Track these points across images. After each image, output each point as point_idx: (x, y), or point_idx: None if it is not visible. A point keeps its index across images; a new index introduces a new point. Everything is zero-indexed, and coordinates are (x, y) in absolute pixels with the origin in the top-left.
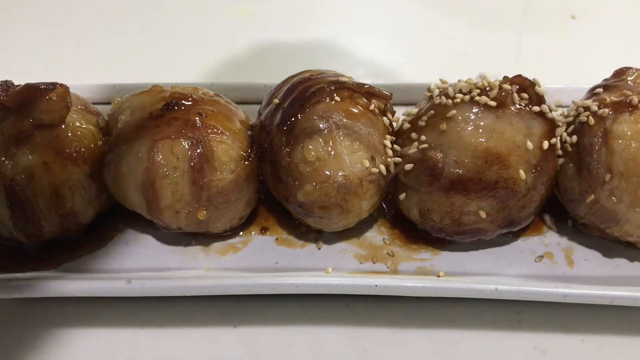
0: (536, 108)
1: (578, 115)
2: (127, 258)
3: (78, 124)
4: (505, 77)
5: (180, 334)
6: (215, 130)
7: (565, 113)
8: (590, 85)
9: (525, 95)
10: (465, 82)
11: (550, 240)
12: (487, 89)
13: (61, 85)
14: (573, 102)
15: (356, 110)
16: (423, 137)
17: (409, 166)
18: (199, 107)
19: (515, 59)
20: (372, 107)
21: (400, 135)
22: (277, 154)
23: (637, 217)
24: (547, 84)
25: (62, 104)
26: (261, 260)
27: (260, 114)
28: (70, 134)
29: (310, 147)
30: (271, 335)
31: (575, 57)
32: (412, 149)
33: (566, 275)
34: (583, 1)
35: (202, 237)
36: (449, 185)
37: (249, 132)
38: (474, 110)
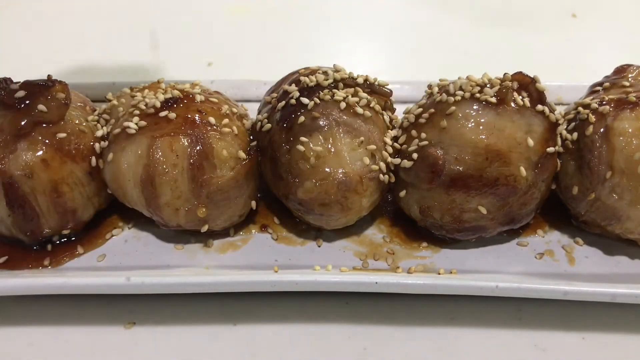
0: (538, 106)
1: (578, 112)
2: (126, 255)
3: (77, 121)
4: (505, 74)
5: (180, 332)
6: (215, 127)
7: (564, 111)
8: (591, 83)
9: (525, 93)
10: (466, 79)
11: (551, 237)
12: (488, 85)
13: (60, 82)
14: (575, 103)
15: (356, 107)
16: (423, 135)
17: (409, 163)
18: (199, 104)
19: (516, 57)
20: (372, 104)
21: (400, 133)
22: (277, 151)
23: (638, 215)
24: (548, 82)
25: (61, 102)
26: (261, 258)
27: (260, 111)
28: (69, 131)
29: (310, 144)
30: (271, 333)
31: (575, 55)
32: (413, 146)
33: (567, 273)
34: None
35: (201, 234)
36: (449, 182)
37: (249, 130)
38: (474, 107)
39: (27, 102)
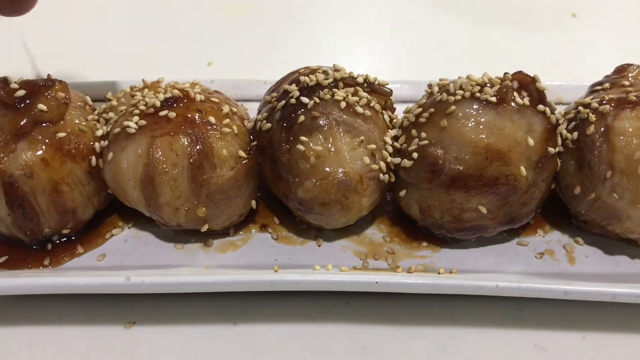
0: (539, 106)
1: (579, 111)
2: (126, 255)
3: (77, 121)
4: (506, 74)
5: (180, 332)
6: (215, 127)
7: (564, 111)
8: (591, 83)
9: (525, 92)
10: (466, 78)
11: (551, 237)
12: (488, 85)
13: (60, 81)
14: (575, 102)
15: (356, 107)
16: (423, 134)
17: (409, 163)
18: (199, 103)
19: (516, 57)
20: (372, 103)
21: (400, 132)
22: (277, 150)
23: (638, 214)
24: (548, 82)
25: (61, 101)
26: (261, 258)
27: (259, 110)
28: (69, 131)
29: (311, 143)
30: (271, 333)
31: (575, 55)
32: (413, 146)
33: (567, 272)
34: None
35: (201, 234)
36: (449, 181)
37: (249, 129)
38: (474, 107)
39: (27, 101)
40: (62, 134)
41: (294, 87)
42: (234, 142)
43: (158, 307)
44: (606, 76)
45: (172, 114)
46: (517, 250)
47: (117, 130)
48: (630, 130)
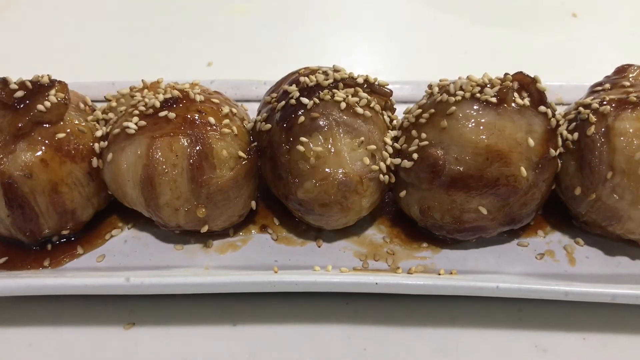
0: (541, 107)
1: (579, 112)
2: (126, 256)
3: (77, 122)
4: (506, 74)
5: (179, 333)
6: (215, 127)
7: (564, 111)
8: (591, 83)
9: (526, 93)
10: (466, 79)
11: (552, 238)
12: (488, 85)
13: (59, 82)
14: (575, 103)
15: (356, 108)
16: (424, 135)
17: (409, 164)
18: (199, 104)
19: (516, 57)
20: (372, 104)
21: (400, 133)
22: (277, 151)
23: (638, 215)
24: (548, 82)
25: (61, 102)
26: (261, 258)
27: (259, 111)
28: (68, 131)
29: (310, 144)
30: (271, 333)
31: (576, 55)
32: (413, 147)
33: (567, 273)
34: None
35: (201, 235)
36: (449, 182)
37: (249, 130)
38: (474, 107)
39: (27, 102)
40: (61, 135)
41: (293, 87)
42: (234, 143)
43: (158, 308)
44: (606, 77)
45: (172, 115)
46: (518, 251)
47: (117, 130)
48: (630, 130)
